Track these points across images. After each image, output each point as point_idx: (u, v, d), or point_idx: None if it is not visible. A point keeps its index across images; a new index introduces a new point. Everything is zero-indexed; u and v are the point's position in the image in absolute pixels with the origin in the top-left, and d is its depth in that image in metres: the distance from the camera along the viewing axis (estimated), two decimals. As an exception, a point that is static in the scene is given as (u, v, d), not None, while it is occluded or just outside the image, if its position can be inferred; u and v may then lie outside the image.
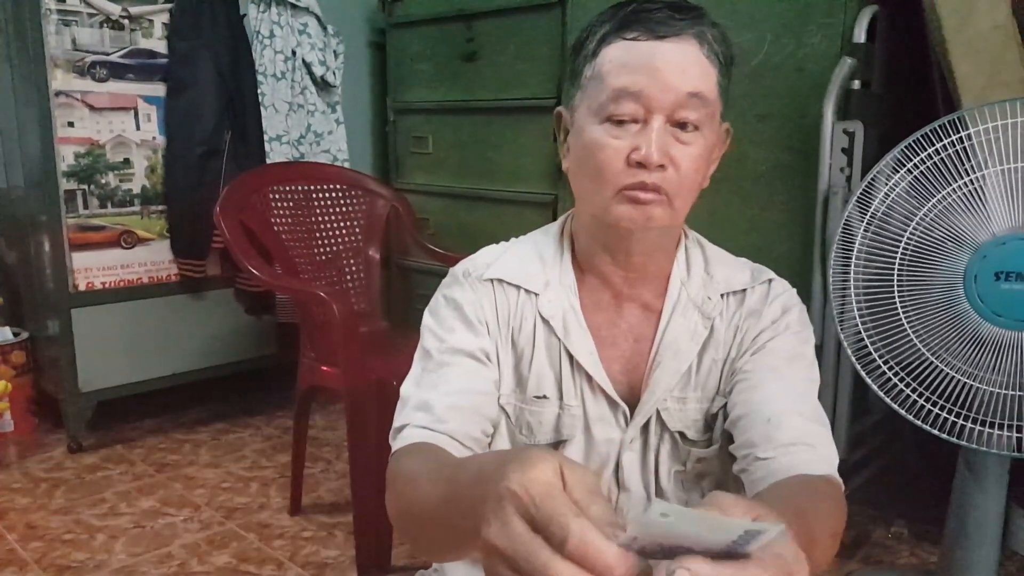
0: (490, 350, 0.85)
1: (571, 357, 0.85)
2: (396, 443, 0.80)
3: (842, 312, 1.40)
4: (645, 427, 0.86)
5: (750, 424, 0.81)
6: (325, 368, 1.86)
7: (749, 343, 0.85)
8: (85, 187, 2.29)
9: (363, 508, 1.75)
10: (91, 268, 2.31)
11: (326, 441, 2.49)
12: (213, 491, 2.15)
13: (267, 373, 2.74)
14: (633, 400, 0.86)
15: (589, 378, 0.85)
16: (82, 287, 2.30)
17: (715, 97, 0.78)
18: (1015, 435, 1.27)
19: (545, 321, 0.86)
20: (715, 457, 0.86)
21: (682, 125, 0.76)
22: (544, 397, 0.86)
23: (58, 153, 2.22)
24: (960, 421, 1.29)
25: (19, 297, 2.55)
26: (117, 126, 2.32)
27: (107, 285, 2.35)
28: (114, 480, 2.22)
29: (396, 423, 0.83)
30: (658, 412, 0.85)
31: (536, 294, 0.86)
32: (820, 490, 0.75)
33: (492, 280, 0.87)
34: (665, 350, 0.85)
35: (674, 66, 0.75)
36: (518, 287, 0.87)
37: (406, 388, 0.85)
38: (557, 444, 0.86)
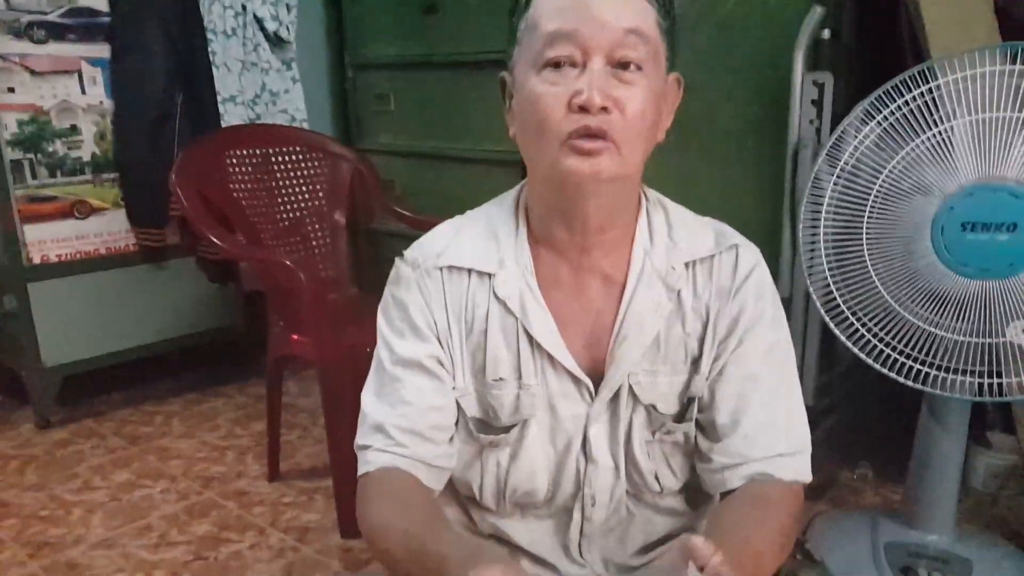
0: (440, 355, 0.85)
1: (530, 337, 0.84)
2: (361, 464, 0.85)
3: (811, 265, 1.42)
4: (614, 399, 0.85)
5: (725, 432, 0.84)
6: (295, 337, 1.84)
7: (724, 331, 0.85)
8: (32, 156, 2.20)
9: (342, 472, 1.75)
10: (44, 241, 2.24)
11: (301, 408, 2.48)
12: (189, 461, 2.14)
13: (236, 342, 2.70)
14: (596, 374, 0.85)
15: (551, 356, 0.84)
16: (37, 260, 2.23)
17: (656, 36, 0.76)
18: (977, 380, 1.31)
19: (501, 302, 0.84)
20: (688, 431, 0.87)
21: (623, 65, 0.74)
22: (502, 379, 0.85)
23: (0, 121, 2.12)
24: (924, 368, 1.33)
25: (-29, 272, 2.47)
26: (61, 91, 2.23)
27: (63, 257, 2.28)
28: (86, 454, 2.19)
29: (359, 439, 0.86)
30: (630, 385, 0.85)
31: (491, 275, 0.84)
32: (775, 503, 0.81)
33: (443, 268, 0.85)
34: (630, 324, 0.84)
35: (608, 4, 0.73)
36: (471, 270, 0.85)
37: (366, 399, 0.87)
38: (520, 424, 0.86)
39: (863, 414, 2.02)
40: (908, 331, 1.33)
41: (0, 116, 2.13)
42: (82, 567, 1.66)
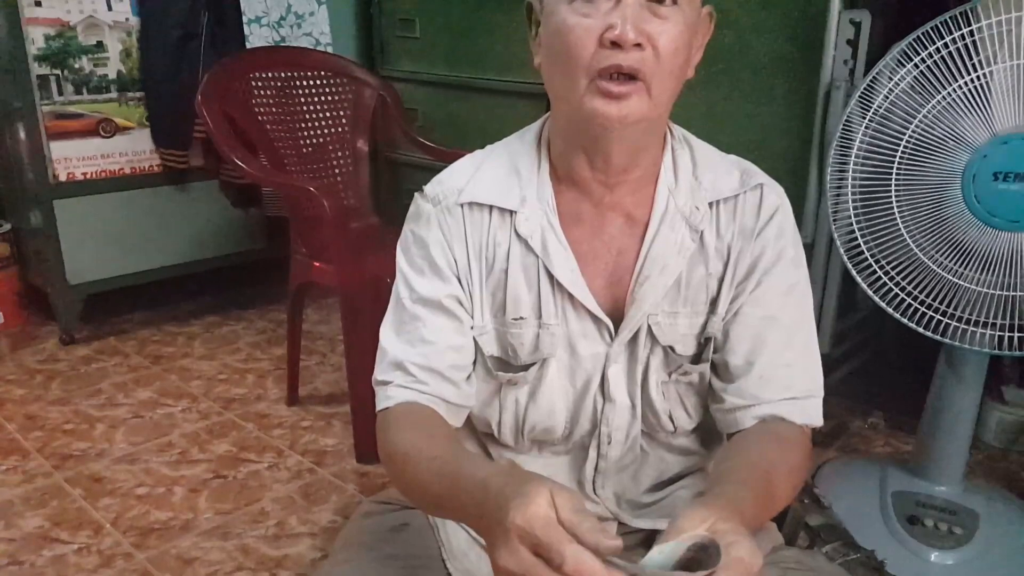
0: (460, 294, 0.85)
1: (551, 276, 0.83)
2: (382, 399, 0.85)
3: (836, 210, 1.39)
4: (633, 340, 0.85)
5: (739, 373, 0.84)
6: (317, 264, 1.85)
7: (744, 271, 0.84)
8: (58, 72, 2.20)
9: (360, 399, 1.78)
10: (70, 158, 2.25)
11: (320, 334, 2.52)
12: (209, 383, 2.19)
13: (257, 266, 2.73)
14: (617, 314, 0.85)
15: (571, 296, 0.83)
16: (63, 178, 2.25)
17: None
18: (997, 333, 1.30)
19: (522, 240, 0.83)
20: (704, 372, 0.87)
21: None
22: (522, 318, 0.85)
23: (27, 35, 2.12)
24: (944, 319, 1.32)
25: (-1, 188, 2.50)
26: (87, 6, 2.21)
27: (88, 176, 2.30)
28: (109, 371, 2.25)
29: (378, 374, 0.86)
30: (649, 326, 0.84)
31: (512, 212, 0.83)
32: (788, 442, 0.81)
33: (463, 205, 0.84)
34: (652, 264, 0.83)
35: None
36: (492, 207, 0.84)
37: (385, 335, 0.87)
38: (540, 363, 0.86)
39: (878, 363, 2.02)
40: (931, 281, 1.31)
41: (27, 30, 2.12)
42: (105, 480, 1.72)
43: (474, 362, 0.88)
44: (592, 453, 0.90)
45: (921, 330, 1.33)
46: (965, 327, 1.31)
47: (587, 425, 0.89)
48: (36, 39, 2.14)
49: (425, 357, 0.83)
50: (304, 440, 1.91)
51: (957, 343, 1.33)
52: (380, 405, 0.85)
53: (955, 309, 1.31)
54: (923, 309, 1.33)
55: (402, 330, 0.85)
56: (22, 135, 2.19)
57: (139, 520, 1.59)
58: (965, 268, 1.29)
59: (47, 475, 1.74)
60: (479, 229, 0.84)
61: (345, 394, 1.99)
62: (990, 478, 1.74)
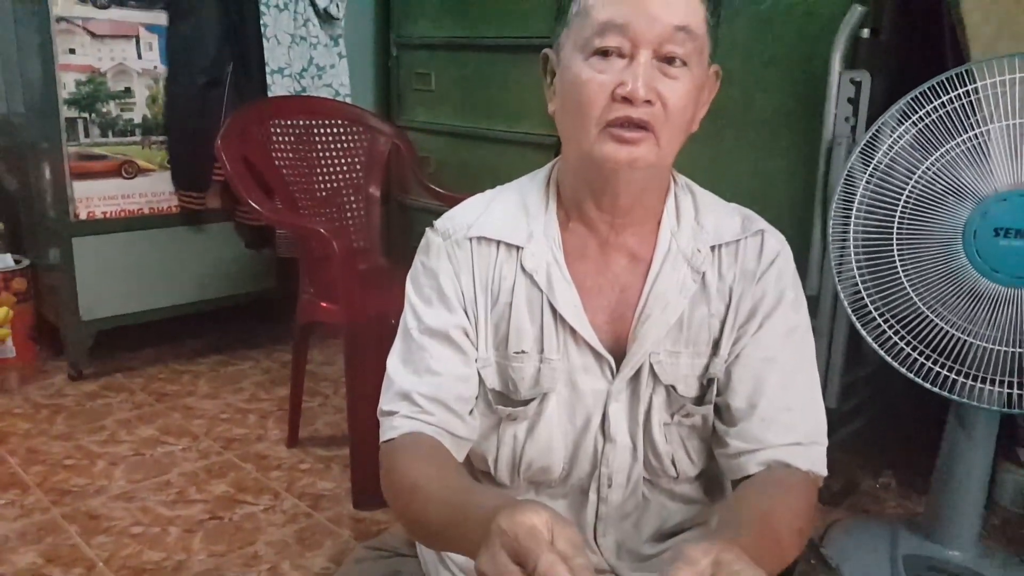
0: (467, 326, 0.86)
1: (554, 310, 0.84)
2: (386, 430, 0.84)
3: (840, 263, 1.39)
4: (635, 378, 0.85)
5: (742, 416, 0.84)
6: (324, 304, 1.87)
7: (746, 314, 0.85)
8: (86, 115, 2.27)
9: (359, 442, 1.77)
10: (92, 197, 2.31)
11: (324, 376, 2.52)
12: (211, 422, 2.19)
13: (266, 307, 2.76)
14: (619, 350, 0.85)
15: (573, 331, 0.84)
16: (83, 216, 2.30)
17: (703, 33, 0.76)
18: (1006, 391, 1.27)
19: (528, 275, 0.85)
20: (707, 414, 0.87)
21: (669, 60, 0.75)
22: (523, 352, 0.85)
23: (59, 80, 2.20)
24: (952, 375, 1.30)
25: (19, 224, 2.56)
26: (118, 54, 2.29)
27: (108, 215, 2.35)
28: (114, 408, 2.25)
29: (383, 404, 0.86)
30: (651, 364, 0.84)
31: (519, 248, 0.85)
32: (793, 488, 0.80)
33: (472, 239, 0.86)
34: (654, 302, 0.84)
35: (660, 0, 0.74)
36: (499, 242, 0.86)
37: (392, 365, 0.87)
38: (540, 397, 0.86)
39: (889, 419, 1.98)
40: (937, 336, 1.30)
41: (60, 76, 2.19)
42: (101, 517, 1.71)
43: (476, 396, 0.88)
44: (592, 497, 0.89)
45: (928, 386, 1.31)
46: (974, 384, 1.29)
47: (586, 466, 0.88)
48: (68, 84, 2.22)
49: (432, 388, 0.83)
50: (302, 483, 1.89)
51: (966, 400, 1.30)
52: (385, 435, 0.84)
53: (963, 365, 1.29)
54: (929, 364, 1.31)
55: (409, 360, 0.86)
56: (47, 174, 2.26)
57: (132, 559, 1.57)
58: (971, 323, 1.28)
59: (44, 510, 1.73)
60: (486, 262, 0.86)
61: (345, 437, 1.98)
62: (1007, 543, 1.69)
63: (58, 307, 2.38)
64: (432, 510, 0.73)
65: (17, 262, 2.50)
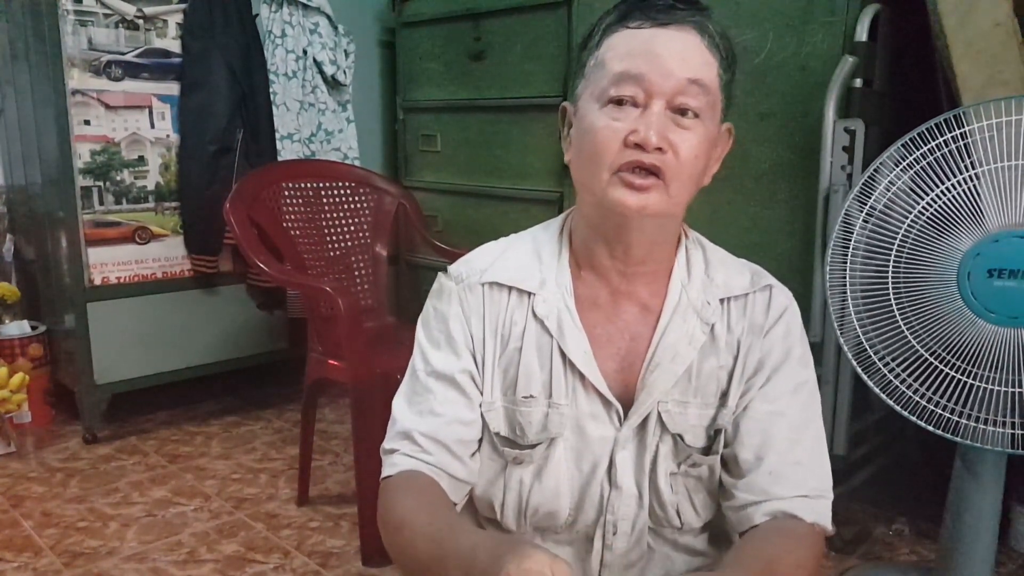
0: (473, 370, 0.88)
1: (564, 356, 0.86)
2: (386, 467, 0.87)
3: (841, 310, 1.40)
4: (642, 426, 0.86)
5: (749, 468, 0.85)
6: (332, 362, 1.89)
7: (753, 367, 0.86)
8: (101, 184, 2.34)
9: (368, 499, 1.77)
10: (106, 263, 2.36)
11: (335, 434, 2.53)
12: (223, 482, 2.20)
13: (278, 367, 2.79)
14: (627, 399, 0.86)
15: (582, 377, 0.85)
16: (97, 282, 2.35)
17: (716, 88, 0.80)
18: (1011, 431, 1.27)
19: (539, 320, 0.87)
20: (714, 465, 0.88)
21: (682, 111, 0.78)
22: (532, 397, 0.87)
23: (74, 151, 2.27)
24: (956, 418, 1.30)
25: (37, 291, 2.61)
26: (132, 124, 2.37)
27: (122, 280, 2.40)
28: (127, 470, 2.27)
29: (386, 443, 0.88)
30: (659, 413, 0.86)
31: (531, 294, 0.87)
32: (799, 539, 0.81)
33: (485, 284, 0.88)
34: (663, 352, 0.85)
35: (675, 52, 0.77)
36: (512, 288, 0.88)
37: (397, 404, 0.90)
38: (547, 442, 0.87)
39: (901, 465, 1.97)
40: (940, 379, 1.30)
41: (75, 146, 2.27)
42: (112, 579, 1.71)
43: (480, 440, 0.89)
44: (597, 544, 0.89)
45: (932, 429, 1.31)
46: (978, 425, 1.29)
47: (592, 513, 0.88)
48: (83, 154, 2.29)
49: (433, 429, 0.85)
50: (311, 541, 1.89)
51: (970, 442, 1.30)
52: (384, 473, 0.86)
53: (967, 407, 1.29)
54: (933, 408, 1.31)
55: (414, 400, 0.88)
56: (63, 241, 2.31)
57: (142, 620, 1.57)
58: (972, 365, 1.28)
59: (56, 573, 1.73)
60: (497, 307, 0.88)
61: (355, 495, 1.98)
62: (1024, 590, 1.66)
63: (73, 372, 2.41)
64: (419, 545, 0.75)
65: (34, 328, 2.55)
